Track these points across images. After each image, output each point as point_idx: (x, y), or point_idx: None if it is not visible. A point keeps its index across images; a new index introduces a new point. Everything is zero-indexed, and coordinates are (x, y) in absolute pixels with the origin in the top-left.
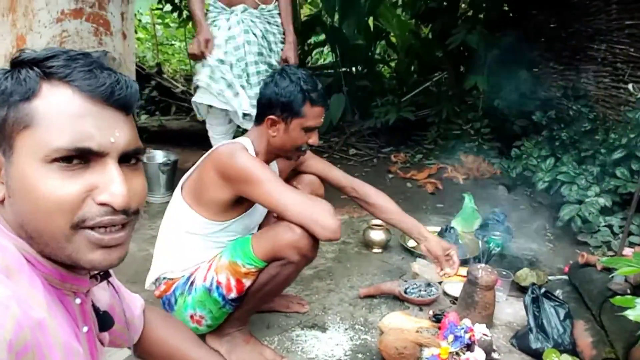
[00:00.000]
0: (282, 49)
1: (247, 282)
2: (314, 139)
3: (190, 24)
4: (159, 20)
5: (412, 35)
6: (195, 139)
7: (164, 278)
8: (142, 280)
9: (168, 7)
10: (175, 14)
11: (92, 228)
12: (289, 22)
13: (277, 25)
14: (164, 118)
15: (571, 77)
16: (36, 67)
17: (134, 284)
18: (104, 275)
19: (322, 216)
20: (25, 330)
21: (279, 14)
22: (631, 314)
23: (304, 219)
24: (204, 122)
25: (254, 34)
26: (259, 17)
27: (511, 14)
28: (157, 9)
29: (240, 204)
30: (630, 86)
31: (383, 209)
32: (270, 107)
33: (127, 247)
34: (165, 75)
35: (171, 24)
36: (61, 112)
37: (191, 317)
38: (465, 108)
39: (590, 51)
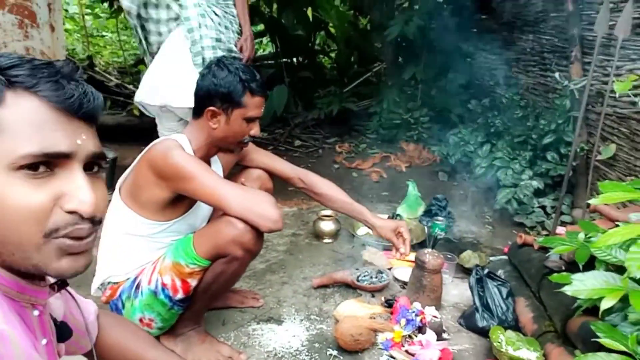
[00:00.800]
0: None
1: (192, 282)
2: (255, 130)
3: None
4: (88, 10)
5: (350, 26)
6: (132, 135)
7: (109, 282)
8: (87, 284)
9: None
10: (105, 4)
11: (63, 237)
12: (246, 14)
13: (233, 16)
14: None
15: (503, 67)
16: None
17: (78, 288)
18: (62, 284)
19: (262, 207)
20: None
21: (234, 5)
22: (568, 290)
23: (244, 211)
24: (141, 117)
25: (211, 19)
26: (216, 4)
27: (445, 6)
28: None
29: (181, 202)
30: (556, 75)
31: (331, 198)
32: (210, 98)
33: (91, 254)
34: (97, 69)
35: (101, 14)
36: (28, 121)
37: (140, 320)
38: (405, 98)
39: (519, 42)
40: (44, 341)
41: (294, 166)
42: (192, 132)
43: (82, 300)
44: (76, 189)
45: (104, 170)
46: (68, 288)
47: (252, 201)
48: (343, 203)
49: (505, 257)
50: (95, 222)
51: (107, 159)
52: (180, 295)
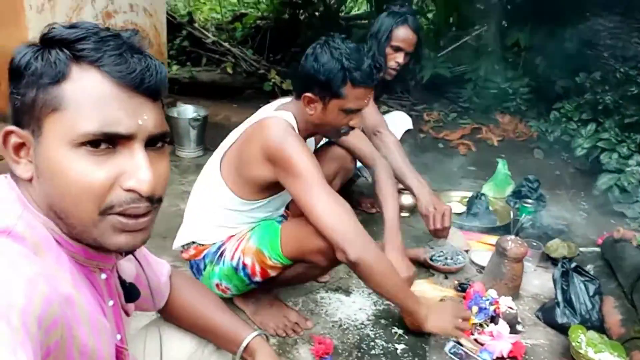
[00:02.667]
0: None
1: (272, 273)
2: (355, 121)
3: None
4: None
5: None
6: (224, 92)
7: (194, 243)
8: (173, 236)
9: None
10: None
11: (118, 214)
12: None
13: None
14: (194, 69)
15: (621, 36)
16: (66, 48)
17: (164, 239)
18: (129, 250)
19: (347, 240)
20: (53, 306)
21: None
22: None
23: (328, 234)
24: (233, 75)
25: None
26: None
27: None
28: None
29: (277, 185)
30: None
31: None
32: (308, 83)
33: (150, 230)
34: (196, 25)
35: None
36: (90, 97)
37: (217, 285)
38: (505, 65)
39: None
40: (111, 302)
41: (374, 152)
42: (296, 112)
43: (155, 261)
44: (136, 167)
45: (167, 145)
46: (143, 248)
47: (341, 230)
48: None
49: (597, 249)
50: (154, 200)
51: (195, 114)
52: (258, 278)
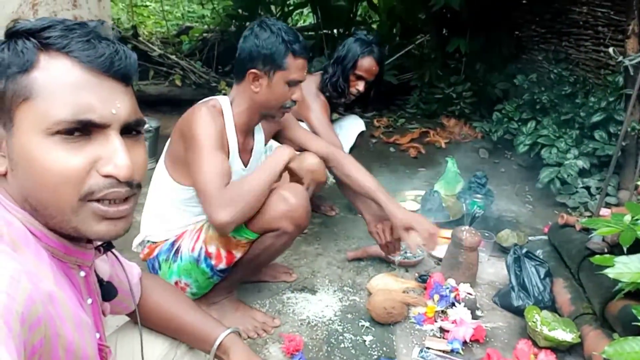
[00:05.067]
0: None
1: (237, 254)
2: (297, 94)
3: None
4: None
5: None
6: (174, 104)
7: (148, 241)
8: (130, 248)
9: None
10: None
11: (98, 200)
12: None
13: None
14: (141, 83)
15: (552, 41)
16: (33, 37)
17: (121, 252)
18: (107, 246)
19: (213, 206)
20: (37, 304)
21: None
22: (611, 272)
23: (202, 202)
24: (182, 87)
25: None
26: None
27: None
28: None
29: None
30: (611, 50)
31: (358, 183)
32: (252, 60)
33: (131, 218)
34: (141, 39)
35: None
36: (61, 84)
37: (175, 283)
38: (448, 71)
39: (571, 14)
40: (89, 301)
41: (329, 146)
42: (235, 96)
43: (126, 263)
44: (112, 153)
45: (142, 133)
46: (114, 251)
47: (207, 196)
48: (368, 190)
49: (544, 237)
50: (134, 185)
51: (147, 126)
52: (222, 265)
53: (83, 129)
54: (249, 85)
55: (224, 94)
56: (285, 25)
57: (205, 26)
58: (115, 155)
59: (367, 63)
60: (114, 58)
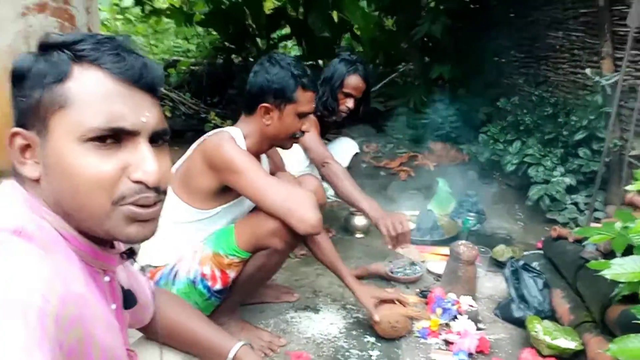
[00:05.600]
0: None
1: (231, 274)
2: (307, 125)
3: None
4: (120, 16)
5: (376, 28)
6: (173, 136)
7: (149, 266)
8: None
9: (128, 1)
10: (137, 9)
11: (130, 204)
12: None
13: None
14: None
15: (532, 65)
16: (67, 49)
17: None
18: (131, 253)
19: (302, 209)
20: (70, 305)
21: None
22: (608, 273)
23: (281, 211)
24: (172, 118)
25: None
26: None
27: (472, 5)
28: (115, 4)
29: (227, 192)
30: (587, 71)
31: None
32: (263, 94)
33: (158, 222)
34: None
35: (132, 19)
36: (94, 93)
37: None
38: (432, 97)
39: (548, 39)
40: (114, 306)
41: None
42: (245, 127)
43: (140, 276)
44: (142, 159)
45: (167, 142)
46: (127, 264)
47: (293, 203)
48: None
49: (539, 251)
50: (160, 191)
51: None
52: (218, 286)
53: (114, 137)
54: (260, 118)
55: (215, 124)
56: (293, 59)
57: (192, 59)
58: (144, 162)
59: (353, 81)
60: (143, 70)
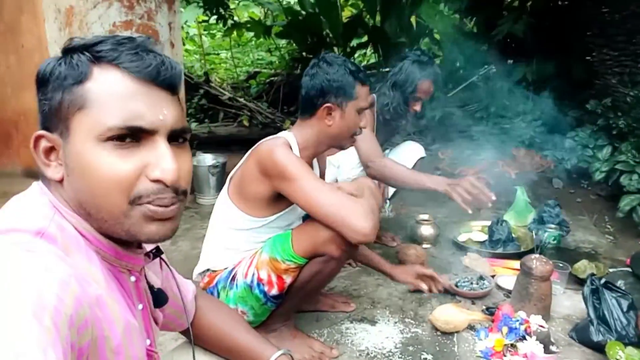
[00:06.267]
0: None
1: (287, 279)
2: (364, 121)
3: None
4: (205, 32)
5: (455, 30)
6: (242, 144)
7: (208, 270)
8: (191, 278)
9: (213, 19)
10: (220, 24)
11: (147, 203)
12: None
13: None
14: (212, 125)
15: (627, 63)
16: (86, 52)
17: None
18: (156, 253)
19: (354, 218)
20: (84, 306)
21: None
22: None
23: (333, 220)
24: (250, 127)
25: None
26: None
27: (559, 2)
28: (203, 21)
29: (282, 200)
30: None
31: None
32: (323, 95)
33: (178, 221)
34: (212, 84)
35: (217, 34)
36: (112, 93)
37: None
38: (515, 100)
39: None
40: (140, 306)
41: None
42: (300, 131)
43: (181, 280)
44: (160, 158)
45: (188, 141)
46: (171, 267)
47: (345, 212)
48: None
49: (627, 269)
50: (179, 192)
51: (215, 161)
52: (274, 291)
53: (133, 136)
54: (322, 119)
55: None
56: (343, 56)
57: (272, 70)
58: (162, 160)
59: (426, 86)
60: (160, 68)
